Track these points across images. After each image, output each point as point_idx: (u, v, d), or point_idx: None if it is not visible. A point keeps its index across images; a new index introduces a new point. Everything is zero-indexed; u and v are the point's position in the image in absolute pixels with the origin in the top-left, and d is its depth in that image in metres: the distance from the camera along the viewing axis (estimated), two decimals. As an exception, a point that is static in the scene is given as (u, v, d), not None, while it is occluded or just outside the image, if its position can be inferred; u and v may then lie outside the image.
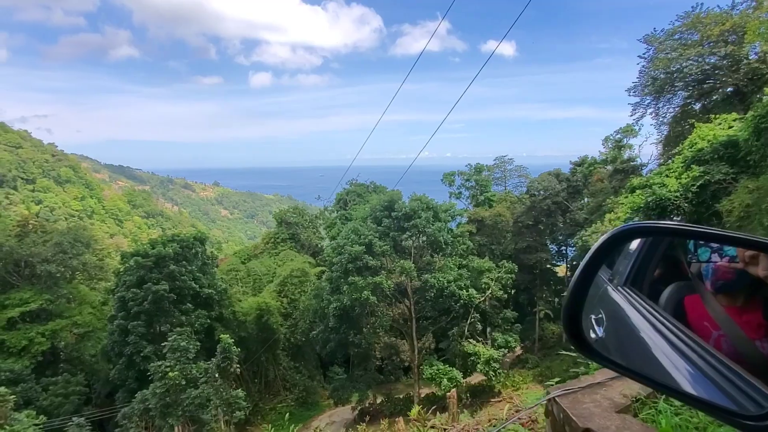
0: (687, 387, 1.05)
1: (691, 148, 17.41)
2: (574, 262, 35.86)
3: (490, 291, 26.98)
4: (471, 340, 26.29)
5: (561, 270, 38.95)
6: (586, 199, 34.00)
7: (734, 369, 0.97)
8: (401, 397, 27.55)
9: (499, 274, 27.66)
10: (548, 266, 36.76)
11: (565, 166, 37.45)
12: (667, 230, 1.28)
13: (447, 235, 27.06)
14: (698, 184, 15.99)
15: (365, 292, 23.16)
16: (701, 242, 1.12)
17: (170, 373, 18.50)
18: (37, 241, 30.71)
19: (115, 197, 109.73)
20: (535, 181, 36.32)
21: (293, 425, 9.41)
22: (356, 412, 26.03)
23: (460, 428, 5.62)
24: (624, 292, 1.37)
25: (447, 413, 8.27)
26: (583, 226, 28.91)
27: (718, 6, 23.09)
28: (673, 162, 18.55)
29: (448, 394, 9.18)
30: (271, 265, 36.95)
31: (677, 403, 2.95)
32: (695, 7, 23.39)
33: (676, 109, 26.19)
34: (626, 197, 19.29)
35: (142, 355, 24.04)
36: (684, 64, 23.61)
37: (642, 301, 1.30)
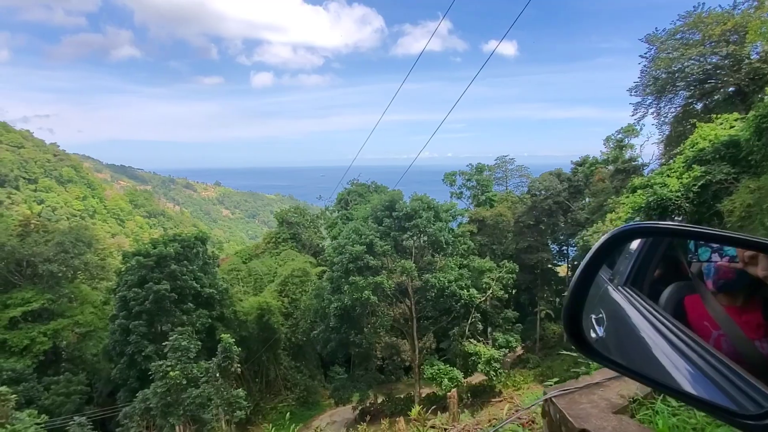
0: (687, 387, 1.05)
1: (692, 147, 17.37)
2: (575, 262, 35.82)
3: (491, 291, 26.96)
4: (472, 340, 26.29)
5: (562, 270, 38.91)
6: (587, 199, 33.96)
7: (734, 369, 0.97)
8: (402, 396, 27.55)
9: (500, 274, 27.64)
10: (549, 266, 36.71)
11: (567, 166, 37.44)
12: (667, 230, 1.28)
13: (448, 234, 27.06)
14: (699, 184, 15.94)
15: (366, 291, 23.17)
16: (701, 242, 1.13)
17: (171, 373, 18.53)
18: (38, 240, 30.79)
19: (117, 197, 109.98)
20: (536, 180, 36.28)
21: (294, 425, 9.42)
22: (357, 411, 26.04)
23: (460, 428, 5.62)
24: (624, 292, 1.37)
25: (448, 413, 8.27)
26: (585, 226, 28.87)
27: (720, 6, 23.07)
28: (674, 162, 18.51)
29: (449, 393, 9.19)
30: (272, 264, 37.00)
31: (675, 403, 2.95)
32: (697, 7, 23.35)
33: (678, 108, 26.14)
34: (627, 197, 19.26)
35: (143, 354, 24.09)
36: (685, 63, 23.56)
37: (642, 301, 1.30)
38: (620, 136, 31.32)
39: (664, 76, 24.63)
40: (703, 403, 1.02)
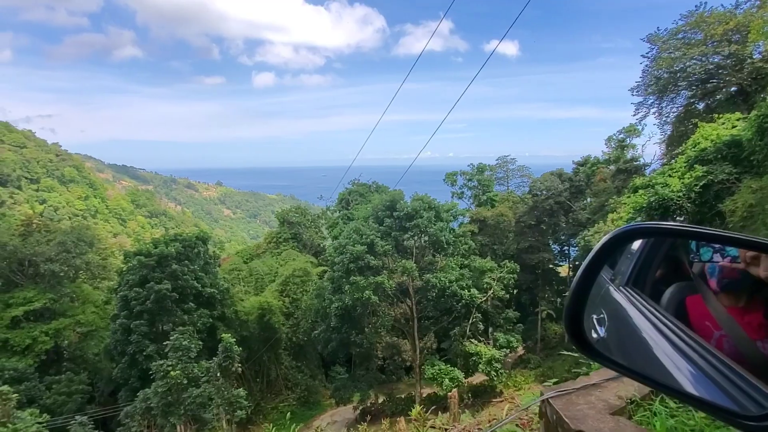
0: (688, 387, 1.05)
1: (694, 147, 17.32)
2: (577, 262, 35.77)
3: (492, 291, 26.93)
4: (473, 340, 26.26)
5: (563, 270, 38.85)
6: (588, 199, 33.91)
7: (735, 369, 0.97)
8: (403, 396, 27.55)
9: (501, 274, 27.61)
10: (551, 266, 36.67)
11: (568, 166, 37.40)
12: (668, 231, 1.28)
13: (449, 234, 27.04)
14: (701, 184, 15.89)
15: (367, 291, 23.17)
16: (703, 243, 1.12)
17: (172, 372, 18.56)
18: (40, 240, 30.89)
19: (119, 197, 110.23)
20: (537, 180, 36.23)
21: (295, 424, 9.43)
22: (358, 411, 26.04)
23: (461, 428, 5.62)
24: (626, 293, 1.37)
25: (448, 413, 8.27)
26: (586, 226, 28.83)
27: (722, 5, 22.96)
28: (676, 162, 18.45)
29: (450, 394, 9.20)
30: (274, 264, 37.03)
31: (673, 404, 2.93)
32: (699, 6, 23.28)
33: (680, 108, 26.07)
34: (629, 197, 19.22)
35: (144, 354, 24.14)
36: (687, 63, 23.50)
37: (644, 302, 1.30)
38: (622, 136, 31.27)
39: (665, 75, 24.57)
40: (704, 404, 1.02)
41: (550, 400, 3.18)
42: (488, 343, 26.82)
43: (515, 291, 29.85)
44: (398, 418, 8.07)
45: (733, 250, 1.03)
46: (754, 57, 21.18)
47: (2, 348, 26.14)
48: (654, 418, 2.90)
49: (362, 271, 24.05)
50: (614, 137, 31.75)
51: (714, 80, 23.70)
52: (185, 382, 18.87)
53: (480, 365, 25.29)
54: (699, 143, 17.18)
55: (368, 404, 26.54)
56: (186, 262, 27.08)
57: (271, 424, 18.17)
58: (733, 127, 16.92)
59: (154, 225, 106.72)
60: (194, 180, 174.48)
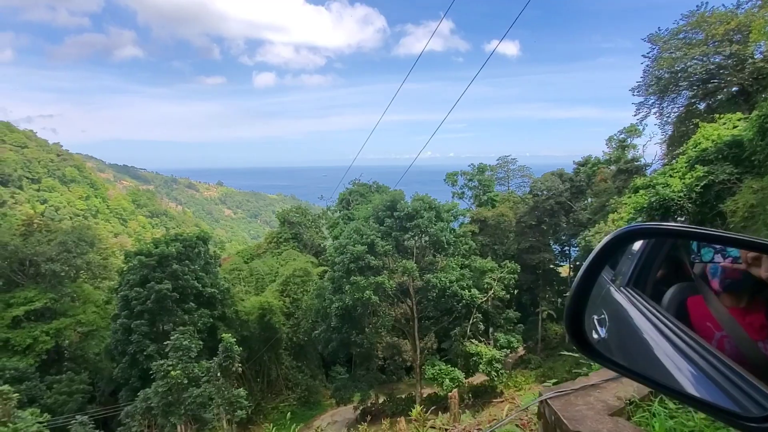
0: (689, 388, 1.04)
1: (695, 147, 17.29)
2: (578, 263, 35.73)
3: (492, 291, 26.91)
4: (473, 341, 26.25)
5: (564, 270, 38.81)
6: (589, 199, 33.88)
7: (737, 370, 0.97)
8: (403, 397, 27.54)
9: (502, 275, 27.59)
10: (551, 266, 36.63)
11: (569, 166, 37.37)
12: (669, 232, 1.28)
13: (449, 235, 27.03)
14: (702, 184, 15.87)
15: (367, 291, 23.17)
16: (704, 243, 1.12)
17: (172, 372, 18.57)
18: (41, 240, 30.92)
19: (120, 197, 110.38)
20: (538, 181, 36.21)
21: (295, 424, 9.42)
22: (358, 411, 26.05)
23: (461, 429, 5.61)
24: (627, 293, 1.37)
25: (449, 413, 8.27)
26: (587, 227, 28.82)
27: (723, 5, 22.93)
28: (677, 162, 18.43)
29: (450, 394, 9.20)
30: (274, 264, 37.05)
31: (672, 405, 2.91)
32: (700, 6, 23.25)
33: (681, 108, 26.03)
34: (630, 197, 19.20)
35: (145, 353, 24.16)
36: (688, 63, 23.46)
37: (644, 302, 1.30)
38: (623, 136, 31.25)
39: (666, 75, 24.53)
40: (705, 405, 1.02)
41: (548, 400, 3.17)
42: (489, 344, 26.80)
43: (516, 291, 29.83)
44: (399, 419, 8.06)
45: (734, 251, 1.03)
46: (756, 57, 21.13)
47: (3, 347, 26.18)
48: (653, 419, 2.88)
49: (363, 271, 24.05)
50: (615, 137, 31.73)
51: (715, 80, 23.66)
52: (186, 381, 18.88)
53: (480, 365, 25.27)
54: (700, 143, 17.16)
55: (368, 404, 26.54)
56: (186, 262, 27.11)
57: (272, 424, 18.16)
58: (734, 127, 16.89)
59: (155, 225, 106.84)
60: (195, 180, 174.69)
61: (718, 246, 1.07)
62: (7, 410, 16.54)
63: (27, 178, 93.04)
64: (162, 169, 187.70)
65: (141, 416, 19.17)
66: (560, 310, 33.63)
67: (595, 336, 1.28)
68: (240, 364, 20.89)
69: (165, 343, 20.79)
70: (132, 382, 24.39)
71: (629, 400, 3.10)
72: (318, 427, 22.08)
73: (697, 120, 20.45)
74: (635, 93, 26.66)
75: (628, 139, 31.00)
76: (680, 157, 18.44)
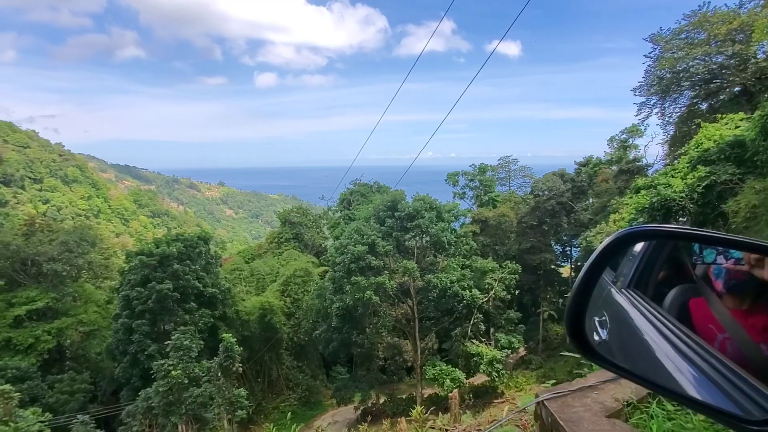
0: (690, 391, 1.03)
1: (697, 148, 17.25)
2: (579, 263, 35.67)
3: (493, 291, 26.88)
4: (474, 341, 26.21)
5: (565, 271, 38.75)
6: (590, 200, 33.82)
7: (739, 373, 0.96)
8: (404, 397, 27.52)
9: (503, 275, 27.56)
10: (552, 267, 36.58)
11: (570, 166, 37.31)
12: (671, 234, 1.27)
13: (450, 235, 27.01)
14: (704, 184, 15.83)
15: (368, 292, 23.17)
16: (705, 245, 1.11)
17: (173, 372, 18.59)
18: (43, 240, 31.02)
19: (121, 197, 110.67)
20: (539, 181, 36.16)
21: (296, 424, 9.42)
22: (359, 411, 26.04)
23: (461, 429, 5.60)
24: (628, 295, 1.36)
25: (449, 414, 8.26)
26: (588, 227, 28.76)
27: (726, 4, 22.84)
28: (678, 162, 18.39)
29: (451, 394, 9.19)
30: (275, 264, 37.08)
31: (670, 407, 2.89)
32: (702, 6, 23.18)
33: (683, 108, 25.97)
34: (631, 198, 19.16)
35: (146, 353, 24.20)
36: (690, 63, 23.39)
37: (646, 304, 1.29)
38: (624, 136, 31.19)
39: (668, 75, 24.47)
40: (707, 408, 1.01)
41: (545, 402, 3.14)
42: (489, 344, 26.77)
43: (517, 292, 29.80)
44: (399, 419, 8.06)
45: (736, 252, 1.02)
46: (759, 57, 21.06)
47: (5, 347, 26.26)
48: (651, 421, 2.85)
49: (363, 272, 24.05)
50: (617, 137, 31.68)
51: (717, 80, 23.59)
52: (186, 381, 18.90)
53: (481, 366, 25.24)
54: (702, 143, 17.11)
55: (369, 404, 26.54)
56: (188, 261, 27.15)
57: (272, 424, 18.17)
58: (737, 127, 16.85)
59: (156, 225, 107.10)
60: (196, 180, 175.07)
61: (720, 247, 1.07)
62: (9, 409, 16.59)
63: (29, 178, 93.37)
64: (163, 169, 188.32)
65: (142, 416, 19.20)
66: (561, 311, 33.57)
67: (596, 338, 1.28)
68: (241, 364, 20.91)
69: (166, 342, 20.81)
70: (133, 382, 24.43)
71: (627, 402, 3.06)
72: (318, 427, 22.12)
73: (699, 120, 20.41)
74: (637, 93, 26.64)
75: (630, 140, 30.95)
76: (682, 157, 18.40)
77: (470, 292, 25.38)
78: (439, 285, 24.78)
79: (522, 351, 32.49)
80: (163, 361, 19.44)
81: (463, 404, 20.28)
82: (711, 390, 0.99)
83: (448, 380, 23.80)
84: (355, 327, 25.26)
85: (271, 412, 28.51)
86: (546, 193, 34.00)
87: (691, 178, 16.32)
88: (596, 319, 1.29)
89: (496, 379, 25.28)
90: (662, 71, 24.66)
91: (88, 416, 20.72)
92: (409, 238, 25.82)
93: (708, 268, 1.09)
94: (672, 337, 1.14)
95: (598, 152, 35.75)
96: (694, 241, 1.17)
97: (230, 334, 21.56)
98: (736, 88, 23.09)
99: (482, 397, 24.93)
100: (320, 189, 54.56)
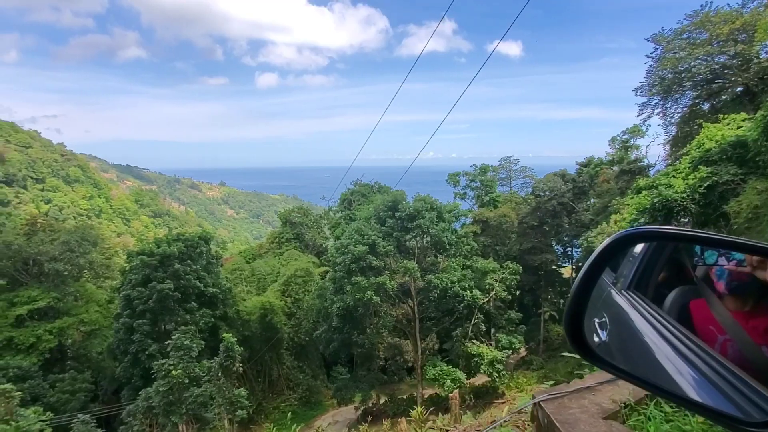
0: (691, 393, 1.03)
1: (698, 148, 17.20)
2: (580, 264, 35.60)
3: (494, 292, 26.85)
4: (475, 341, 26.19)
5: (566, 271, 38.69)
6: (592, 200, 33.76)
7: (739, 375, 0.95)
8: (404, 397, 27.52)
9: (504, 275, 27.53)
10: (553, 267, 36.53)
11: (571, 166, 37.28)
12: (671, 235, 1.26)
13: (451, 235, 26.99)
14: (706, 185, 15.79)
15: (368, 292, 23.16)
16: (706, 247, 1.11)
17: (174, 372, 18.60)
18: (45, 239, 31.10)
19: (123, 197, 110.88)
20: (540, 181, 36.11)
21: (296, 424, 9.42)
22: (359, 412, 26.04)
23: (461, 430, 5.59)
24: (628, 296, 1.35)
25: (449, 414, 8.25)
26: (589, 227, 28.70)
27: (728, 4, 22.77)
28: (680, 163, 18.35)
29: (451, 395, 9.18)
30: (276, 264, 37.12)
31: (668, 409, 2.87)
32: (704, 6, 23.12)
33: (684, 109, 25.90)
34: (632, 198, 19.11)
35: (147, 353, 24.24)
36: (692, 63, 23.33)
37: (646, 305, 1.28)
38: (626, 136, 31.15)
39: (670, 75, 24.41)
40: (707, 410, 1.00)
41: (541, 403, 3.12)
42: (490, 345, 26.75)
43: (518, 292, 29.76)
44: (399, 419, 8.04)
45: (738, 254, 1.01)
46: (761, 57, 20.97)
47: (7, 346, 26.33)
48: (648, 422, 2.83)
49: (364, 272, 24.04)
50: (618, 138, 31.65)
51: (719, 80, 23.51)
52: (187, 381, 18.91)
53: (482, 366, 25.22)
54: (704, 144, 17.07)
55: (370, 405, 26.53)
56: (188, 261, 27.19)
57: (273, 424, 18.16)
58: (739, 127, 16.79)
59: (157, 225, 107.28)
60: (198, 180, 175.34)
61: (721, 249, 1.06)
62: (10, 408, 16.63)
63: (31, 177, 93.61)
64: (165, 169, 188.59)
65: (143, 415, 19.21)
66: (562, 311, 33.39)
67: (596, 339, 1.27)
68: (241, 364, 20.92)
69: (167, 342, 20.83)
70: (134, 381, 24.47)
71: (624, 403, 3.04)
72: (319, 427, 22.11)
73: (701, 120, 20.35)
74: (638, 93, 26.58)
75: (631, 140, 30.91)
76: (684, 157, 18.35)
77: (471, 292, 25.36)
78: (440, 285, 24.76)
79: (523, 351, 32.45)
80: (163, 361, 19.46)
81: (464, 405, 20.26)
82: (711, 392, 0.99)
83: (448, 381, 23.79)
84: (355, 327, 25.26)
85: (271, 412, 28.53)
86: (547, 193, 33.95)
87: (693, 179, 16.27)
88: (596, 320, 1.28)
89: (497, 380, 25.26)
90: (664, 71, 24.60)
91: (89, 415, 20.76)
92: (410, 238, 25.81)
93: (709, 269, 1.09)
94: (672, 338, 1.13)
95: (600, 153, 35.78)
96: (694, 243, 1.16)
97: (231, 334, 21.57)
98: (739, 89, 23.02)
99: (483, 398, 24.91)
100: (321, 189, 54.66)
